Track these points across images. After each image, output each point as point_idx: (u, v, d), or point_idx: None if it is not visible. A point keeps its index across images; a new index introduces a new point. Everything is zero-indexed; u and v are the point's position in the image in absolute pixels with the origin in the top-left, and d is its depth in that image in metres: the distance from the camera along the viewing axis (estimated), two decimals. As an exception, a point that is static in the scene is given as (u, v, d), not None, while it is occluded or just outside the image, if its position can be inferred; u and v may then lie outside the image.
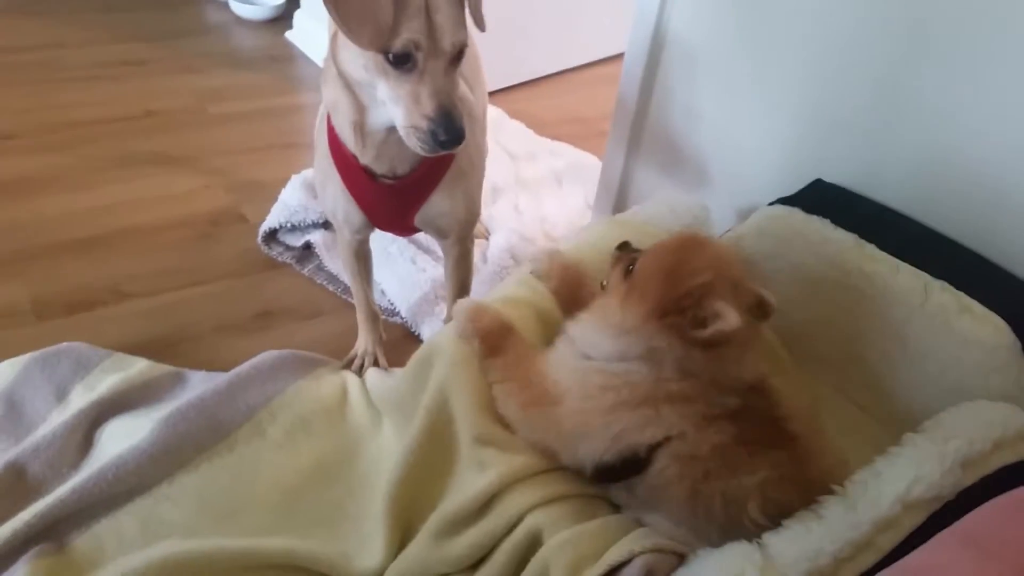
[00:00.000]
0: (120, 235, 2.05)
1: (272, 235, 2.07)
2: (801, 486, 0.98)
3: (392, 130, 1.29)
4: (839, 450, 1.08)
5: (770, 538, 0.92)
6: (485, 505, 1.13)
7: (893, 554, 0.90)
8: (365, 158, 1.37)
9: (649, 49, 1.82)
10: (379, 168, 1.38)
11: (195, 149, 2.47)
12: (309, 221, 2.05)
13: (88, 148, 2.39)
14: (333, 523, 1.35)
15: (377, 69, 1.19)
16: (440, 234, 1.56)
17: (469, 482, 1.15)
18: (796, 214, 1.42)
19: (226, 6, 3.43)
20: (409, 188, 1.43)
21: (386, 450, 1.43)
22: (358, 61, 1.21)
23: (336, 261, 2.00)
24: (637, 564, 0.96)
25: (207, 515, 1.35)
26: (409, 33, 1.15)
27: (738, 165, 1.73)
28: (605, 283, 1.17)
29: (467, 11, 1.25)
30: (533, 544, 1.07)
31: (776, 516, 0.95)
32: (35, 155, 2.31)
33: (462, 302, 1.30)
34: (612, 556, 0.98)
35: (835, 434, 1.16)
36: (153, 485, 1.38)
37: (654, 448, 1.01)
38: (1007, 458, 1.00)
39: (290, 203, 2.10)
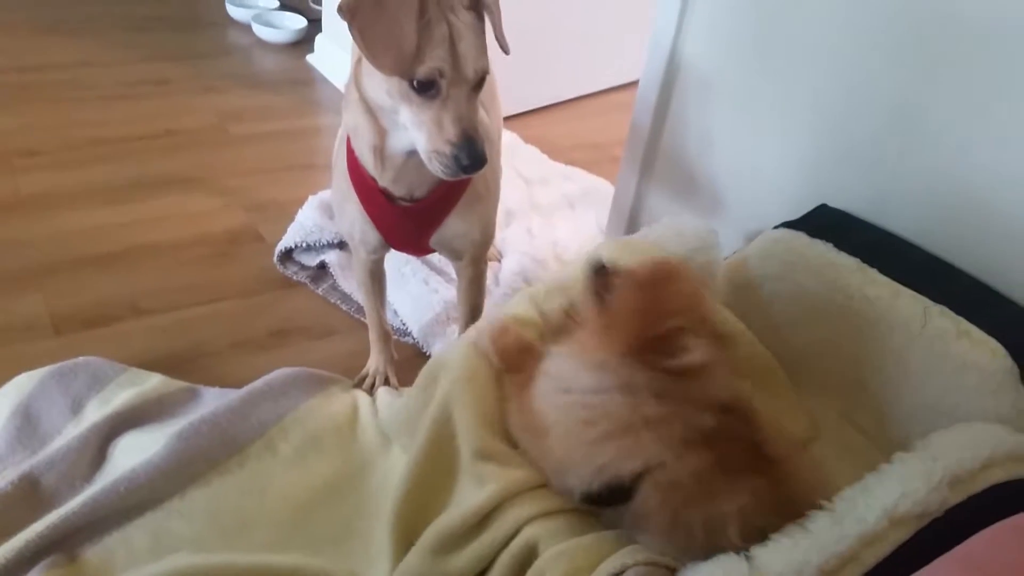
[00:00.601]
0: (139, 252, 2.08)
1: (288, 255, 2.10)
2: (780, 510, 0.99)
3: (411, 154, 1.31)
4: (819, 471, 1.09)
5: (757, 550, 0.93)
6: (485, 519, 1.15)
7: (878, 568, 0.91)
8: (384, 181, 1.39)
9: (663, 76, 1.85)
10: (397, 191, 1.40)
11: (215, 168, 2.51)
12: (324, 241, 2.08)
13: (110, 166, 2.43)
14: (341, 540, 1.36)
15: (400, 95, 1.22)
16: (454, 255, 1.58)
17: (468, 496, 1.16)
18: (800, 237, 1.43)
19: (249, 29, 3.48)
20: (426, 210, 1.45)
21: (395, 469, 1.44)
22: (381, 87, 1.23)
23: (350, 281, 2.02)
24: (629, 575, 0.97)
25: (217, 530, 1.36)
26: (433, 61, 1.18)
27: (748, 190, 1.74)
28: (570, 311, 1.19)
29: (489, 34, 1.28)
30: (530, 556, 1.09)
31: (756, 540, 0.96)
32: (58, 172, 2.36)
33: (486, 321, 1.32)
34: (605, 568, 1.00)
35: (835, 459, 1.17)
36: (164, 499, 1.39)
37: (637, 477, 1.03)
38: (996, 477, 1.01)
39: (306, 224, 2.12)
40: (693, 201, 1.88)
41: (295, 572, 1.29)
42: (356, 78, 1.30)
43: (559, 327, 1.30)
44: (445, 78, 1.19)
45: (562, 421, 1.10)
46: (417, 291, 1.99)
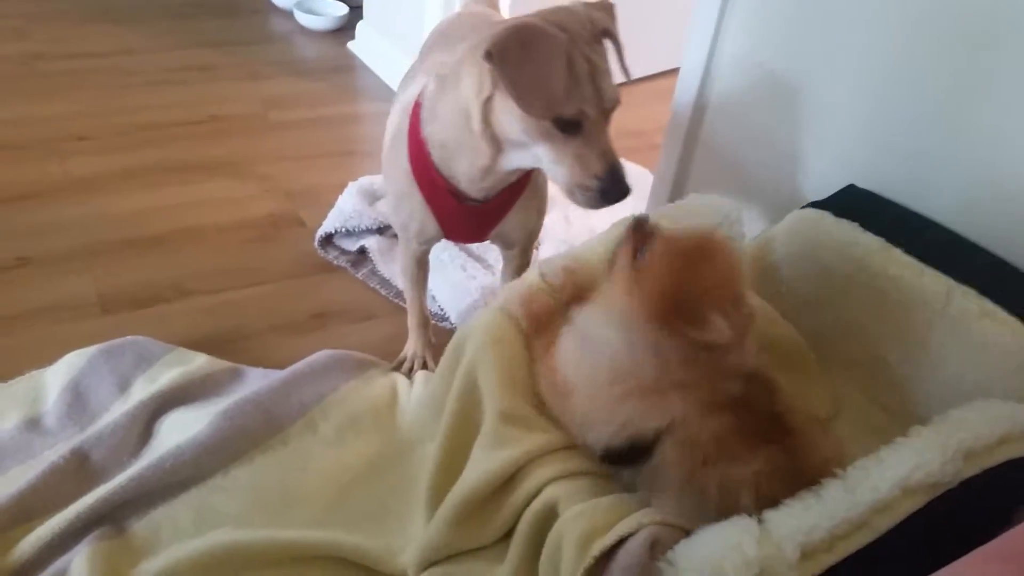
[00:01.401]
0: (184, 235, 2.12)
1: (328, 239, 2.13)
2: (795, 480, 0.99)
3: (517, 169, 1.33)
4: (837, 445, 1.10)
5: (769, 513, 0.95)
6: (508, 482, 1.17)
7: (889, 536, 0.92)
8: (472, 190, 1.39)
9: (705, 63, 1.84)
10: (478, 196, 1.41)
11: (257, 154, 2.55)
12: (363, 227, 2.10)
13: (155, 150, 2.48)
14: (379, 519, 1.39)
15: (540, 134, 1.21)
16: (507, 245, 1.60)
17: (487, 460, 1.18)
18: (826, 217, 1.44)
19: (291, 16, 3.52)
20: (492, 209, 1.47)
21: (432, 451, 1.47)
22: (518, 125, 1.23)
23: (389, 266, 2.05)
24: (643, 534, 0.99)
25: (258, 507, 1.40)
26: (580, 102, 1.18)
27: (788, 177, 1.73)
28: (612, 259, 1.18)
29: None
30: (550, 516, 1.11)
31: (768, 507, 0.97)
32: (105, 156, 2.41)
33: (515, 284, 1.32)
34: (622, 528, 1.01)
35: (858, 436, 1.17)
36: (208, 476, 1.44)
37: (660, 434, 1.04)
38: (1012, 452, 1.01)
39: (345, 209, 2.15)
40: (732, 188, 1.87)
41: (334, 548, 1.32)
42: (485, 114, 1.26)
43: (575, 286, 1.31)
44: (588, 116, 1.20)
45: (588, 377, 1.11)
46: (455, 278, 2.01)
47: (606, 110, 1.22)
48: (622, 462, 1.12)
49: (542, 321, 1.25)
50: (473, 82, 1.25)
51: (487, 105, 1.25)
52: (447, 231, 1.52)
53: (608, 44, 1.29)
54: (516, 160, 1.31)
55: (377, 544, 1.32)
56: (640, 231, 1.15)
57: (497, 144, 1.29)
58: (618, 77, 1.27)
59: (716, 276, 1.07)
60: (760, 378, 1.09)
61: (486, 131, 1.28)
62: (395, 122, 1.51)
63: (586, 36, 1.21)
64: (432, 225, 1.50)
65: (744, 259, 1.16)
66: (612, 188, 1.22)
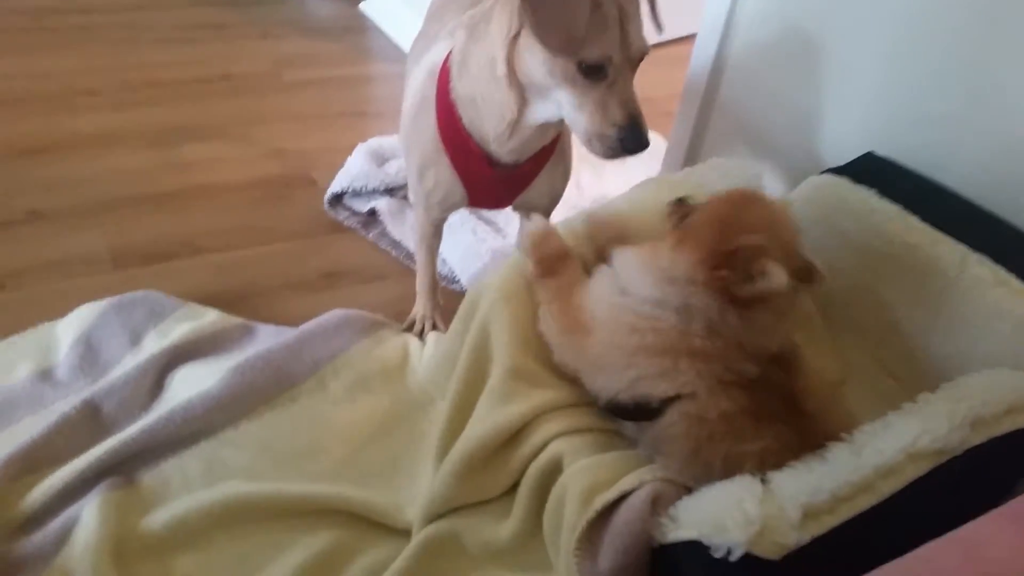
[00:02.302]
0: (195, 192, 2.12)
1: (338, 200, 2.12)
2: (801, 457, 0.99)
3: (544, 124, 1.31)
4: (850, 420, 1.08)
5: (773, 474, 0.95)
6: (514, 437, 1.18)
7: (892, 499, 0.92)
8: (502, 150, 1.38)
9: (723, 29, 1.81)
10: (508, 159, 1.40)
11: (269, 113, 2.54)
12: (371, 187, 2.09)
13: (167, 107, 2.47)
14: (388, 475, 1.40)
15: (564, 76, 1.20)
16: (531, 211, 1.58)
17: (493, 414, 1.19)
18: (844, 183, 1.43)
19: (304, -25, 3.48)
20: (522, 175, 1.46)
21: (443, 406, 1.47)
22: (543, 67, 1.21)
23: (400, 228, 2.04)
24: (646, 489, 1.00)
25: (268, 461, 1.41)
26: (605, 45, 1.16)
27: (805, 144, 1.72)
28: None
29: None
30: (555, 471, 1.12)
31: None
32: (117, 112, 2.40)
33: (531, 224, 1.31)
34: (625, 483, 1.02)
35: (866, 403, 1.18)
36: (218, 430, 1.44)
37: (666, 401, 1.04)
38: (1020, 422, 1.01)
39: (351, 170, 2.14)
40: (748, 153, 1.85)
41: (343, 502, 1.33)
42: (509, 54, 1.25)
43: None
44: (613, 63, 1.18)
45: (610, 320, 1.09)
46: (466, 241, 2.00)
47: (632, 59, 1.20)
48: (626, 417, 1.12)
49: (553, 261, 1.24)
50: (503, 22, 1.24)
51: (512, 46, 1.24)
52: (473, 198, 1.51)
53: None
54: (541, 112, 1.29)
55: (386, 499, 1.33)
56: (681, 204, 1.14)
57: (521, 92, 1.28)
58: (650, 34, 1.26)
59: (762, 219, 1.05)
60: (781, 356, 1.07)
61: (512, 77, 1.26)
62: (418, 88, 1.48)
63: None
64: (459, 192, 1.49)
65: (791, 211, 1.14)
66: (631, 138, 1.20)
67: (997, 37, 1.32)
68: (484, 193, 1.51)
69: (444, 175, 1.47)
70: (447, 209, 1.57)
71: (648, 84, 3.03)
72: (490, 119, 1.34)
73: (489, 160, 1.41)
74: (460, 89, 1.36)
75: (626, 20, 1.18)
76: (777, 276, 0.97)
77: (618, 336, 1.08)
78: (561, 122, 1.32)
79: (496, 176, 1.44)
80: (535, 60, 1.22)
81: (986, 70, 1.35)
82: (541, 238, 1.27)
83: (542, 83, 1.24)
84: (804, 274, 1.05)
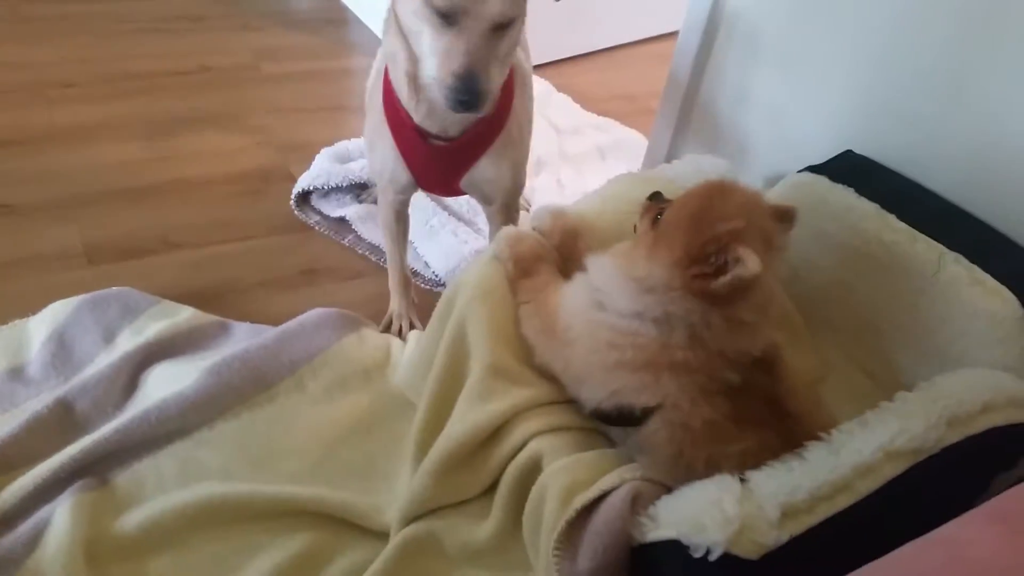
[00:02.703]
0: (171, 186, 2.09)
1: (306, 201, 2.10)
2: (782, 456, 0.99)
3: None
4: (831, 420, 1.09)
5: (751, 474, 0.95)
6: (493, 435, 1.17)
7: (870, 498, 0.93)
8: (418, 115, 1.38)
9: (705, 25, 1.81)
10: (431, 127, 1.40)
11: (248, 106, 2.51)
12: (332, 184, 2.07)
13: (144, 100, 2.43)
14: (366, 477, 1.39)
15: (424, 17, 1.21)
16: (485, 200, 1.58)
17: (473, 412, 1.18)
18: (822, 181, 1.44)
19: (284, -33, 3.45)
20: (458, 151, 1.44)
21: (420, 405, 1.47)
22: (410, 5, 1.23)
23: (373, 232, 2.03)
24: (625, 488, 1.00)
25: (244, 461, 1.39)
26: None
27: (784, 142, 1.72)
28: (636, 228, 1.16)
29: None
30: (534, 470, 1.12)
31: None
32: (93, 104, 2.37)
33: (505, 228, 1.32)
34: (605, 482, 1.02)
35: (841, 401, 1.18)
36: (193, 429, 1.43)
37: (648, 411, 1.04)
38: (995, 420, 1.02)
39: (313, 169, 2.14)
40: (728, 152, 1.85)
41: (319, 503, 1.32)
42: (394, 5, 1.29)
43: (571, 254, 1.29)
44: (466, 13, 1.18)
45: (588, 336, 1.09)
46: (447, 242, 1.99)
47: (486, 16, 1.19)
48: (610, 423, 1.12)
49: (528, 262, 1.24)
50: None
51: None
52: (417, 176, 1.51)
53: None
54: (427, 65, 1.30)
55: (363, 501, 1.32)
56: (656, 201, 1.14)
57: (407, 40, 1.29)
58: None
59: (735, 206, 1.03)
60: (764, 359, 1.07)
61: (395, 22, 1.29)
62: (375, 65, 1.50)
63: None
64: (402, 170, 1.49)
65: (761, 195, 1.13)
66: (462, 89, 1.20)
67: (976, 39, 1.32)
68: (426, 171, 1.50)
69: (388, 151, 1.48)
70: (399, 191, 1.57)
71: (631, 82, 3.06)
72: (398, 76, 1.36)
73: (419, 132, 1.41)
74: (385, 46, 1.38)
75: None
76: (751, 261, 0.95)
77: (597, 353, 1.07)
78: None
79: (430, 151, 1.44)
80: (404, 1, 1.24)
81: (965, 71, 1.35)
82: (515, 239, 1.26)
83: (411, 25, 1.25)
84: (780, 215, 1.07)
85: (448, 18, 1.19)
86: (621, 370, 1.04)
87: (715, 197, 1.05)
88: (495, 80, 1.24)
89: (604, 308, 1.08)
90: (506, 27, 1.23)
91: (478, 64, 1.20)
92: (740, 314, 1.01)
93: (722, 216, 1.01)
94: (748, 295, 1.00)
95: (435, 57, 1.23)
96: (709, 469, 1.00)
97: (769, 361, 1.07)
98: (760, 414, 1.03)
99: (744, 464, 0.98)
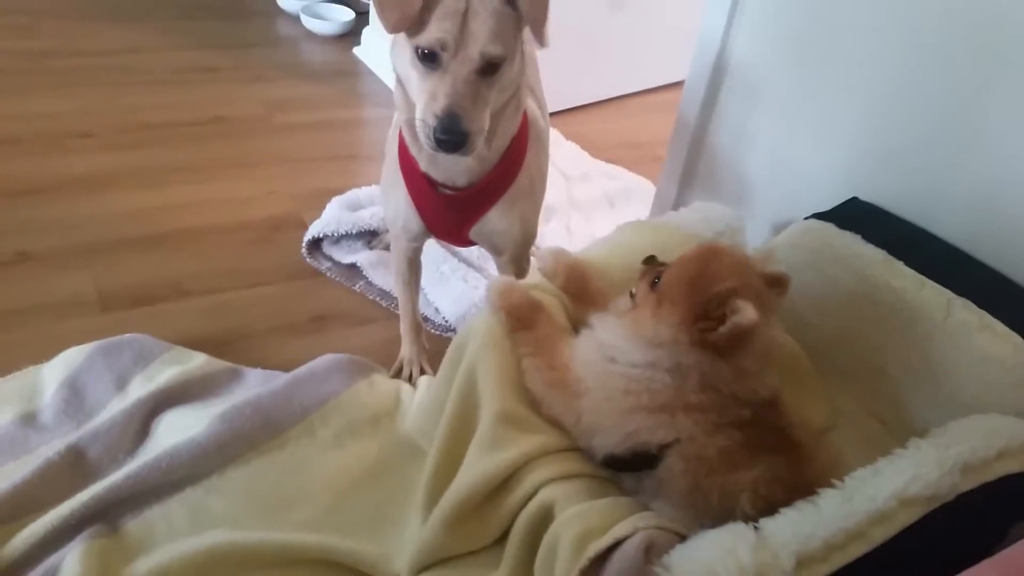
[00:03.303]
0: (185, 234, 2.12)
1: (318, 248, 2.12)
2: (794, 488, 1.00)
3: None
4: (837, 456, 1.10)
5: (766, 521, 0.95)
6: (503, 484, 1.16)
7: (885, 547, 0.92)
8: (423, 162, 1.40)
9: (710, 75, 1.84)
10: (437, 175, 1.42)
11: (260, 156, 2.55)
12: (342, 231, 2.10)
13: (159, 149, 2.47)
14: (376, 524, 1.38)
15: (411, 63, 1.24)
16: (495, 251, 1.59)
17: (483, 461, 1.17)
18: (829, 228, 1.45)
19: (297, 20, 3.52)
20: (468, 200, 1.46)
21: (430, 454, 1.46)
22: (404, 56, 1.26)
23: (383, 278, 2.04)
24: (639, 537, 0.99)
25: (254, 508, 1.39)
26: (438, 32, 1.19)
27: (791, 191, 1.74)
28: (634, 292, 1.18)
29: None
30: (546, 518, 1.11)
31: (765, 512, 0.98)
32: (108, 153, 2.41)
33: (495, 280, 1.32)
34: (619, 531, 1.01)
35: (854, 448, 1.18)
36: (204, 477, 1.43)
37: (664, 447, 1.05)
38: (1011, 467, 1.02)
39: (324, 216, 2.17)
40: (735, 199, 1.87)
41: (328, 552, 1.31)
42: (392, 52, 1.32)
43: (581, 294, 1.31)
44: (447, 51, 1.20)
45: (602, 387, 1.10)
46: (458, 289, 2.01)
47: (471, 55, 1.21)
48: (624, 469, 1.12)
49: (523, 312, 1.24)
50: None
51: (394, 44, 1.30)
52: (429, 224, 1.52)
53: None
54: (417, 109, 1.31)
55: (373, 550, 1.31)
56: (652, 264, 1.17)
57: (404, 91, 1.32)
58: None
59: (728, 268, 1.08)
60: (771, 401, 1.09)
61: (395, 72, 1.31)
62: (396, 115, 1.52)
63: None
64: (414, 217, 1.51)
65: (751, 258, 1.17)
66: (441, 130, 1.21)
67: (982, 87, 1.34)
68: (436, 220, 1.52)
69: (402, 200, 1.49)
70: (411, 238, 1.58)
71: (637, 129, 3.10)
72: (405, 126, 1.38)
73: (429, 180, 1.43)
74: (396, 96, 1.39)
75: (472, 17, 1.20)
76: (747, 311, 0.99)
77: (612, 400, 1.09)
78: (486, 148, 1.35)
79: (440, 200, 1.45)
80: (398, 49, 1.27)
81: (971, 119, 1.37)
82: (505, 288, 1.27)
83: (404, 73, 1.28)
84: (772, 281, 1.11)
85: (433, 61, 1.22)
86: (637, 413, 1.06)
87: (710, 260, 1.10)
88: (480, 122, 1.24)
89: (616, 361, 1.10)
90: (495, 70, 1.25)
91: (460, 105, 1.21)
92: (744, 363, 1.05)
93: (718, 277, 1.06)
94: (749, 344, 1.03)
95: (420, 100, 1.25)
96: (724, 499, 1.00)
97: (773, 401, 1.09)
98: (768, 442, 1.04)
99: (757, 493, 0.99)
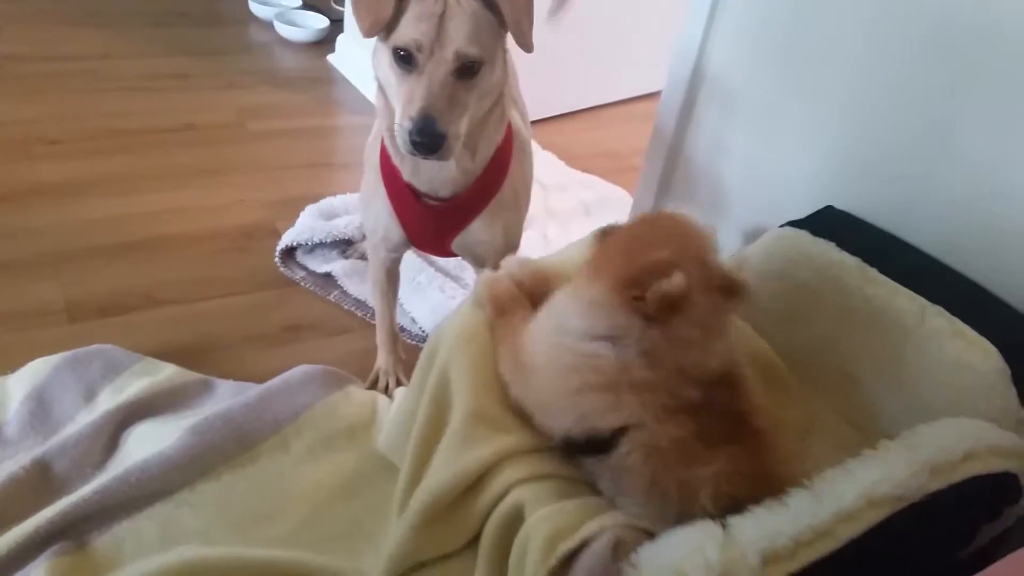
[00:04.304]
0: (156, 243, 2.08)
1: (291, 256, 2.10)
2: (755, 480, 0.99)
3: None
4: (796, 444, 1.10)
5: (733, 519, 0.95)
6: (476, 483, 1.15)
7: (851, 545, 0.92)
8: (405, 172, 1.39)
9: (688, 84, 1.84)
10: (420, 185, 1.40)
11: (233, 163, 2.52)
12: (316, 239, 2.08)
13: (129, 157, 2.43)
14: (350, 539, 1.36)
15: (390, 66, 1.23)
16: (477, 262, 1.57)
17: (454, 460, 1.15)
18: (803, 236, 1.45)
19: (271, 27, 3.49)
20: (450, 212, 1.45)
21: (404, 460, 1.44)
22: (383, 59, 1.26)
23: (358, 287, 2.02)
24: (607, 536, 0.99)
25: (225, 523, 1.36)
26: (412, 32, 1.19)
27: (768, 200, 1.74)
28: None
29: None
30: (517, 519, 1.10)
31: (728, 507, 0.97)
32: (78, 160, 2.36)
33: (484, 273, 1.31)
34: (587, 530, 1.01)
35: (828, 453, 1.18)
36: (175, 491, 1.40)
37: (617, 432, 1.04)
38: (976, 469, 1.02)
39: (299, 224, 2.15)
40: (711, 210, 1.87)
41: (303, 568, 1.28)
42: (373, 59, 1.31)
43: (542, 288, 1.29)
44: (423, 52, 1.20)
45: (551, 362, 1.10)
46: (435, 299, 1.99)
47: (447, 56, 1.20)
48: (581, 452, 1.12)
49: (504, 301, 1.24)
50: None
51: (375, 52, 1.29)
52: (410, 235, 1.51)
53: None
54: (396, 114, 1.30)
55: (348, 565, 1.29)
56: (607, 234, 1.16)
57: (386, 97, 1.31)
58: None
59: (671, 236, 1.07)
60: (725, 377, 1.07)
61: (378, 82, 1.31)
62: (376, 124, 1.51)
63: None
64: (395, 227, 1.49)
65: (706, 227, 1.15)
66: (416, 131, 1.20)
67: (958, 97, 1.35)
68: (419, 231, 1.50)
69: (383, 209, 1.48)
70: (391, 249, 1.57)
71: (614, 139, 3.10)
72: (386, 134, 1.37)
73: (412, 190, 1.41)
74: (377, 104, 1.38)
75: (448, 18, 1.20)
76: (675, 279, 0.97)
77: (560, 378, 1.08)
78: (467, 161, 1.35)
79: (423, 211, 1.44)
80: (378, 54, 1.27)
81: (947, 129, 1.38)
82: (494, 280, 1.27)
83: (383, 77, 1.27)
84: (727, 288, 1.05)
85: (409, 63, 1.21)
86: (585, 393, 1.05)
87: (654, 226, 1.10)
88: (456, 126, 1.23)
89: (563, 329, 1.09)
90: (473, 73, 1.24)
91: (435, 107, 1.20)
92: (682, 332, 1.02)
93: (657, 244, 1.04)
94: (684, 312, 1.01)
95: (398, 104, 1.24)
96: (683, 495, 1.00)
97: (732, 381, 1.08)
98: (724, 430, 1.03)
99: (719, 488, 0.99)
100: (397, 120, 1.24)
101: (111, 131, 2.55)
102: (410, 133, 1.20)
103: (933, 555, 0.88)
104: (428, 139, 1.20)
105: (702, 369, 1.04)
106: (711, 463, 1.00)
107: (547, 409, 1.12)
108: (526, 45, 1.28)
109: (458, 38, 1.20)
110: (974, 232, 1.37)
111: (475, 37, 1.21)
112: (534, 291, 1.30)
